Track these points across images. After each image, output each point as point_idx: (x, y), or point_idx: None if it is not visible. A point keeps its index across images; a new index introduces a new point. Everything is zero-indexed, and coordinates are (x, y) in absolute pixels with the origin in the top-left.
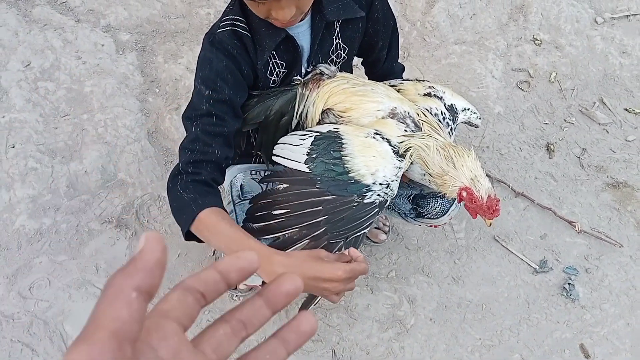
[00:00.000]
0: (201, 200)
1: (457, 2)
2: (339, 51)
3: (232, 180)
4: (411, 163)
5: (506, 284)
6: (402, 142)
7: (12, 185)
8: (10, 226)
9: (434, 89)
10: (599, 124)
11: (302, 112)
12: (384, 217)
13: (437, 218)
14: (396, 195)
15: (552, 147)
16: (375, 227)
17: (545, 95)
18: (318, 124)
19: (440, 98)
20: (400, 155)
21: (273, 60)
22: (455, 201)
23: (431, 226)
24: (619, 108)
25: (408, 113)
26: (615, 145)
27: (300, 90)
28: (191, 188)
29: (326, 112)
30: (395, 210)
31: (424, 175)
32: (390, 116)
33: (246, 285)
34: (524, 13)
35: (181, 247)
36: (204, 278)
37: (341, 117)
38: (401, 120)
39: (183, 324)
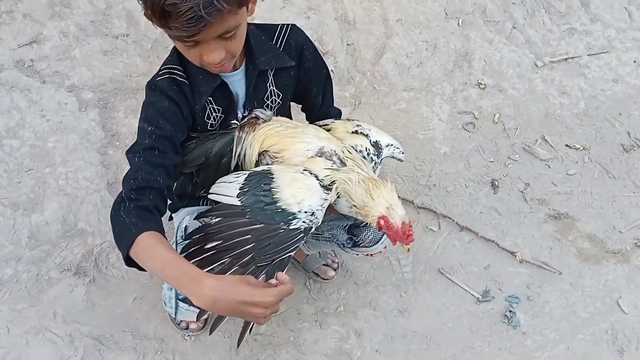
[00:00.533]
0: (142, 224)
1: (404, 52)
2: (273, 97)
3: (179, 223)
4: (338, 197)
5: (450, 314)
6: (328, 175)
7: None
8: None
9: (360, 127)
10: (541, 159)
11: (240, 153)
12: (332, 254)
13: (371, 246)
14: (333, 226)
15: (496, 183)
16: (324, 264)
17: (489, 135)
18: (256, 165)
19: (367, 135)
20: (326, 188)
21: (210, 105)
22: None
23: (368, 255)
24: (560, 144)
25: (334, 151)
26: (557, 179)
27: (237, 133)
28: (134, 213)
29: (262, 154)
30: (334, 242)
31: (350, 207)
32: (319, 155)
33: (197, 324)
34: (468, 60)
35: (137, 291)
36: None
37: (276, 157)
38: (328, 158)
39: None
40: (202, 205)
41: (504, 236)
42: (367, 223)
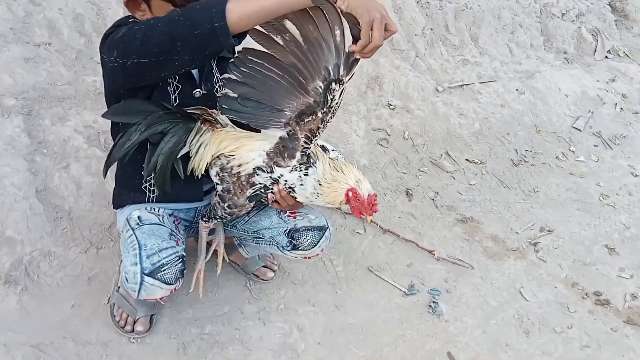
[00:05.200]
0: None
1: None
2: (220, 83)
3: (127, 217)
4: (306, 174)
5: (382, 307)
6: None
7: None
8: None
9: None
10: (447, 172)
11: (195, 144)
12: (271, 257)
13: (309, 249)
14: (275, 230)
15: (410, 192)
16: (264, 266)
17: (401, 150)
18: (207, 166)
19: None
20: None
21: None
22: (325, 233)
23: (306, 257)
24: (461, 159)
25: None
26: (461, 189)
27: (199, 124)
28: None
29: (217, 157)
30: (273, 245)
31: (314, 189)
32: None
33: (143, 326)
34: (379, 83)
35: (74, 299)
36: None
37: (232, 156)
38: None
39: None
40: (148, 202)
41: (422, 237)
42: (309, 227)
